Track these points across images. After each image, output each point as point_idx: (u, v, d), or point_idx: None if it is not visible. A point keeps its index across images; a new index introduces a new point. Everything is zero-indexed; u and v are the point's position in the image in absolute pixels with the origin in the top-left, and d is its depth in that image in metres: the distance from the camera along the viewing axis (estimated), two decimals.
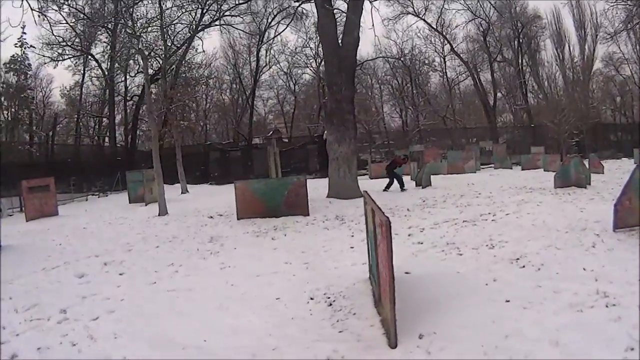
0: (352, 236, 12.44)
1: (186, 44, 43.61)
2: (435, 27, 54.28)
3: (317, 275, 9.08)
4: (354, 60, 22.85)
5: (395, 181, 23.33)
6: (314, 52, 51.15)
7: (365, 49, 56.65)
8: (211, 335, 6.58)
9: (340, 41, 22.01)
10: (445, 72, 57.76)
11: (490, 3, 52.89)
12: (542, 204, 15.08)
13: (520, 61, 56.77)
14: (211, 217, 17.45)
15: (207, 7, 41.71)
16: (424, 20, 53.64)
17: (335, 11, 22.95)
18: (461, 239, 10.80)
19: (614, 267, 7.71)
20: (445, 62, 57.19)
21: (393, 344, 5.70)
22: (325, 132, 22.63)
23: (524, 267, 8.31)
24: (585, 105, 53.06)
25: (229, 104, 55.47)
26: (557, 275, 7.65)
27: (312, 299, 7.74)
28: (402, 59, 53.38)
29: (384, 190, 23.06)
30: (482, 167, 39.85)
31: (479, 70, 56.79)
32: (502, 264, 8.62)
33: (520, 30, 55.69)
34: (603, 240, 9.40)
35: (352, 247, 11.13)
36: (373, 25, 29.22)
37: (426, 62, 56.18)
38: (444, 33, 55.33)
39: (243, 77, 52.87)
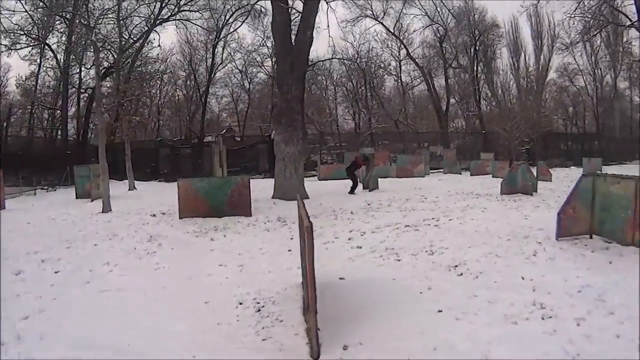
0: (292, 239, 12.12)
1: (143, 38, 42.69)
2: (392, 31, 54.11)
3: (250, 278, 8.82)
4: (306, 60, 22.66)
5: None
6: (270, 51, 50.38)
7: (321, 50, 56.88)
8: (134, 338, 6.29)
9: (293, 40, 21.76)
10: (400, 76, 57.64)
11: (448, 10, 53.06)
12: (486, 210, 15.15)
13: (475, 68, 57.20)
14: (154, 215, 17.02)
15: (166, 1, 40.89)
16: (382, 23, 53.53)
17: (291, 10, 22.71)
18: (401, 245, 10.62)
19: (554, 277, 7.63)
20: (400, 67, 57.09)
21: (315, 355, 5.45)
22: (273, 131, 22.35)
23: (461, 274, 8.18)
24: (537, 114, 53.60)
25: (183, 100, 54.35)
26: (495, 284, 7.52)
27: (241, 303, 7.46)
28: (357, 61, 52.99)
29: (350, 192, 22.62)
30: (431, 171, 39.94)
31: (433, 75, 56.87)
32: (440, 271, 8.46)
33: (477, 38, 56.06)
34: (545, 249, 9.38)
35: (289, 250, 10.84)
36: (328, 25, 29.13)
37: (382, 65, 56.00)
38: (402, 37, 55.22)
39: (198, 74, 51.86)
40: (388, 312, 6.58)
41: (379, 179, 25.25)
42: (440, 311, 6.50)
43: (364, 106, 55.20)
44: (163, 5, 40.77)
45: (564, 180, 28.13)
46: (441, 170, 41.08)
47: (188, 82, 52.63)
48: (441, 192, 21.52)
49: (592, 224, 10.19)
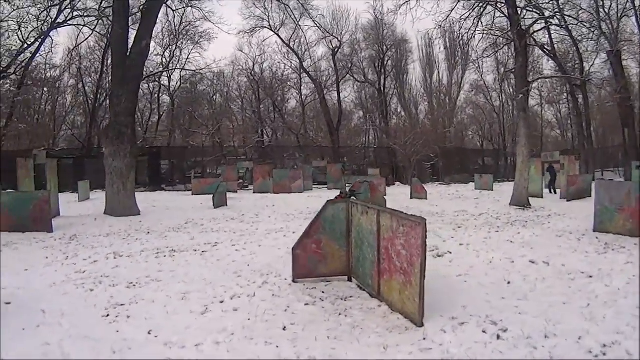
0: (47, 258, 11.46)
1: (38, 42, 40.71)
2: (288, 43, 52.63)
3: None
4: (140, 72, 21.82)
5: None
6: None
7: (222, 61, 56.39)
8: None
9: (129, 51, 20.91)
10: (300, 90, 56.54)
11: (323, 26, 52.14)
12: (293, 235, 14.29)
13: (383, 83, 56.40)
14: None
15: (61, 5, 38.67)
16: (278, 35, 52.14)
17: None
18: (122, 273, 9.70)
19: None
20: (301, 80, 55.83)
21: None
22: (104, 145, 21.48)
23: (107, 316, 7.14)
24: (442, 130, 53.65)
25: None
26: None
27: None
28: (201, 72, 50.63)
29: None
30: (318, 187, 39.48)
31: (331, 89, 55.43)
32: (97, 307, 7.46)
33: (384, 52, 55.40)
34: (255, 294, 8.17)
35: (26, 270, 10.14)
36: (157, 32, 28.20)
37: (282, 77, 55.21)
38: (302, 50, 54.12)
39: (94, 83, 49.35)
40: None
41: (260, 194, 24.42)
42: None
43: (258, 118, 54.36)
44: (62, 9, 38.57)
45: (444, 198, 27.88)
46: (327, 186, 40.28)
47: (77, 91, 50.65)
48: (286, 211, 20.90)
49: (350, 263, 8.90)
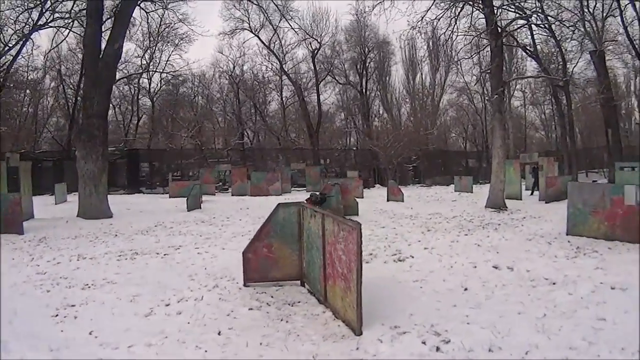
0: (13, 259, 11.68)
1: (19, 45, 40.41)
2: (267, 44, 51.55)
3: None
4: (112, 74, 22.00)
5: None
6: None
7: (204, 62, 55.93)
8: None
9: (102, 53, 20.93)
10: (281, 92, 55.97)
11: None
12: None
13: (365, 84, 56.09)
14: None
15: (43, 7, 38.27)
16: (258, 37, 51.13)
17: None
18: (80, 275, 9.85)
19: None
20: (282, 81, 55.01)
21: None
22: (76, 148, 21.49)
23: (62, 318, 7.30)
24: (424, 132, 53.37)
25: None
26: None
27: None
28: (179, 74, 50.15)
29: None
30: (296, 189, 39.46)
31: (310, 91, 54.45)
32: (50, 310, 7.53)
33: (366, 54, 55.10)
34: (202, 298, 8.18)
35: None
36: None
37: (263, 79, 54.78)
38: (283, 52, 52.92)
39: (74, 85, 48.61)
40: None
41: (238, 197, 24.38)
42: None
43: (238, 120, 53.69)
44: (43, 11, 38.25)
45: (421, 200, 27.95)
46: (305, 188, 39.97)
47: (58, 93, 50.25)
48: (262, 214, 20.42)
49: (302, 267, 8.82)
